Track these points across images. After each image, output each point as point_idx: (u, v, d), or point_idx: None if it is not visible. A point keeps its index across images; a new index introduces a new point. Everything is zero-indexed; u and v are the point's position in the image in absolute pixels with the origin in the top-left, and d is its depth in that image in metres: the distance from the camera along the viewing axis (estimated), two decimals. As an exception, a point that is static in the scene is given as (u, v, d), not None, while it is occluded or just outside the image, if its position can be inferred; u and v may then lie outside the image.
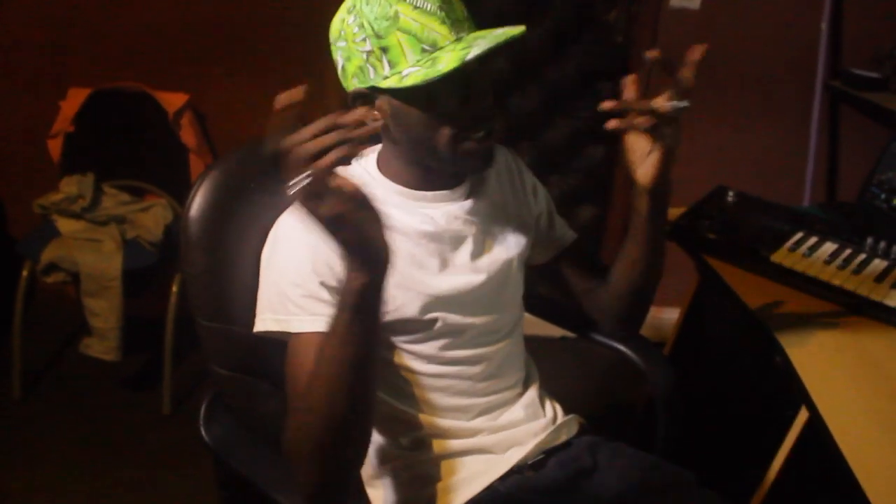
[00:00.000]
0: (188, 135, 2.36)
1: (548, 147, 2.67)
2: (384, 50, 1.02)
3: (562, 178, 2.72)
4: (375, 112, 1.07)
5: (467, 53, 0.97)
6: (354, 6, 1.04)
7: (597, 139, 2.65)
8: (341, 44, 1.06)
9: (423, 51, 1.01)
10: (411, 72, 1.01)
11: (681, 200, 1.84)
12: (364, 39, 1.03)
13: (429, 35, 1.01)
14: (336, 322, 0.89)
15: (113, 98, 2.34)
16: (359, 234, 0.81)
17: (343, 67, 1.08)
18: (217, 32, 2.42)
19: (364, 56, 1.04)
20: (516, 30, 1.01)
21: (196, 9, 2.39)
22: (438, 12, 1.01)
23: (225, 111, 2.49)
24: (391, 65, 1.02)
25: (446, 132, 1.06)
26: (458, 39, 1.02)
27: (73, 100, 2.32)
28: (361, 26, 1.02)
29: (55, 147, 2.36)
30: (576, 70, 2.55)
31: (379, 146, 1.18)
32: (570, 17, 2.51)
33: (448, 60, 0.98)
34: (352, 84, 1.07)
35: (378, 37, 1.02)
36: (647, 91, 1.08)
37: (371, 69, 1.04)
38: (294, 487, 0.97)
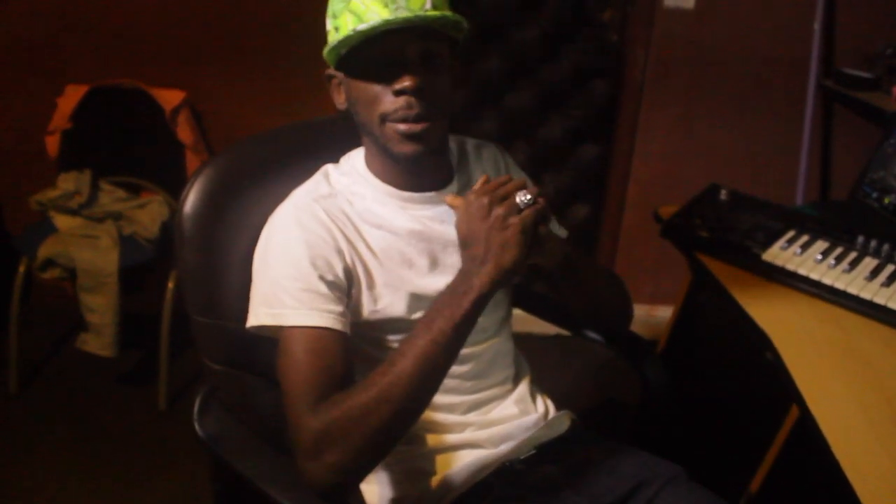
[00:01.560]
0: (185, 132, 2.37)
1: (542, 145, 2.67)
2: (337, 30, 1.06)
3: (556, 176, 2.72)
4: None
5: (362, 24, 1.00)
6: None
7: (591, 138, 2.66)
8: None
9: (357, 30, 1.02)
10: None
11: (674, 198, 1.85)
12: (328, 20, 1.08)
13: (368, 14, 1.02)
14: (446, 320, 0.96)
15: (110, 95, 2.34)
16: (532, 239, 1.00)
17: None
18: (214, 30, 2.42)
19: (328, 36, 1.08)
20: (432, 14, 1.02)
21: (193, 6, 2.39)
22: None
23: (221, 108, 2.50)
24: None
25: (376, 112, 1.07)
26: (388, 20, 1.01)
27: (71, 97, 2.32)
28: (329, 7, 1.08)
29: (52, 144, 2.35)
30: (570, 69, 2.55)
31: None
32: (565, 16, 2.51)
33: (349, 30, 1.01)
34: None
35: (334, 17, 1.06)
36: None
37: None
38: (304, 476, 0.96)
